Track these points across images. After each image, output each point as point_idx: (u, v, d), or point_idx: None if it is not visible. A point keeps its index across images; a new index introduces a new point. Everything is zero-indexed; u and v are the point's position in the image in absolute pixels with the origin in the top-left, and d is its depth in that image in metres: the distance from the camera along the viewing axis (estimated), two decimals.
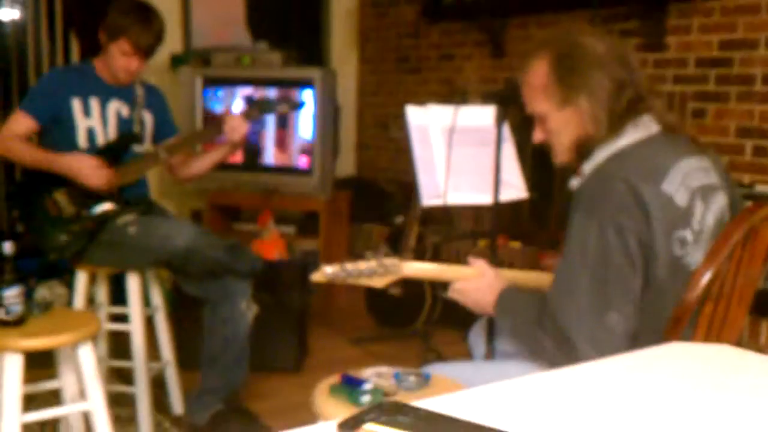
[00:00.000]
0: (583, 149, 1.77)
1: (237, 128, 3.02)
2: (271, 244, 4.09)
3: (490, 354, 2.07)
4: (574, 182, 1.79)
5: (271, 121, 4.51)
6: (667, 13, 3.70)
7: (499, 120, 2.13)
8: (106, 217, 2.92)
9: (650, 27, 3.75)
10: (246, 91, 4.52)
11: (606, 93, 1.72)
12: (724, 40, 3.51)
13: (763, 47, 3.36)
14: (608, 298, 1.62)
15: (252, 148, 4.54)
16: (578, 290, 1.64)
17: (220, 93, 4.56)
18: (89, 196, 2.92)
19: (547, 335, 1.67)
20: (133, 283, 3.01)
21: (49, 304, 2.48)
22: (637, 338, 1.64)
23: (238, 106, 4.49)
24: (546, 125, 1.82)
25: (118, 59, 2.95)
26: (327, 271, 1.85)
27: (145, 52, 2.96)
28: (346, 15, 5.67)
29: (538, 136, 1.86)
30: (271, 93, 4.45)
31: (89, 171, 2.88)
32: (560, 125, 1.79)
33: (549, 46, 1.80)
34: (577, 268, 1.65)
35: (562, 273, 1.69)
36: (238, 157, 4.52)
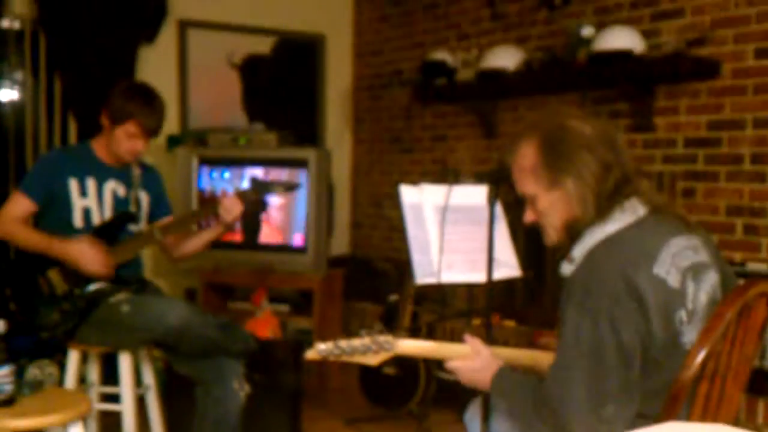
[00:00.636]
0: (573, 231, 1.79)
1: (231, 208, 3.05)
2: (265, 322, 4.07)
3: None
4: (566, 268, 1.79)
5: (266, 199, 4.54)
6: (655, 95, 3.78)
7: (492, 199, 2.15)
8: (99, 295, 2.92)
9: (639, 108, 3.82)
10: (243, 171, 4.56)
11: (593, 175, 1.75)
12: (712, 120, 3.57)
13: (750, 127, 3.43)
14: (604, 391, 1.62)
15: (247, 226, 4.56)
16: (574, 382, 1.64)
17: (215, 174, 4.60)
18: (82, 274, 2.92)
19: (543, 420, 1.67)
20: (125, 363, 2.98)
21: (40, 384, 2.45)
22: (635, 419, 1.63)
23: (234, 185, 4.53)
24: (536, 206, 1.85)
25: (124, 142, 3.00)
26: (320, 349, 1.85)
27: (152, 133, 3.02)
28: (340, 97, 5.78)
29: (528, 216, 1.89)
30: (268, 173, 4.49)
31: (89, 258, 2.89)
32: (549, 206, 1.82)
33: (537, 129, 1.84)
34: (572, 360, 1.65)
35: (558, 364, 1.69)
36: (232, 236, 4.54)
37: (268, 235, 4.58)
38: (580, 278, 1.71)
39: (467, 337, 1.95)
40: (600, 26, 3.81)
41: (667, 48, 3.60)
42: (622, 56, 3.59)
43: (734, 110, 3.49)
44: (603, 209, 1.75)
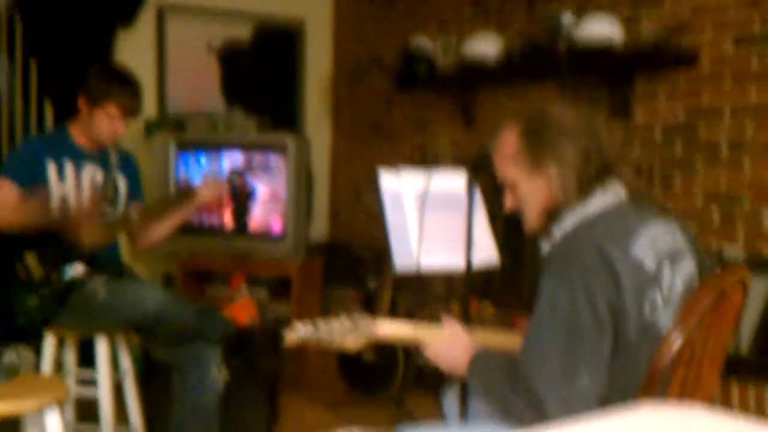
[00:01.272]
0: (553, 216, 1.80)
1: (211, 190, 3.06)
2: (243, 308, 4.06)
3: (464, 416, 2.06)
4: (545, 246, 1.82)
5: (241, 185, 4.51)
6: (633, 83, 3.80)
7: (471, 186, 2.16)
8: (76, 281, 2.90)
9: (618, 96, 3.84)
10: (221, 156, 4.53)
11: (574, 161, 1.77)
12: (690, 108, 3.60)
13: (728, 116, 3.45)
14: (578, 361, 1.63)
15: (237, 213, 4.53)
16: (549, 353, 1.65)
17: (191, 159, 4.56)
18: (60, 259, 2.90)
19: (518, 396, 1.68)
20: (102, 348, 2.97)
21: (16, 369, 2.43)
22: (608, 399, 1.64)
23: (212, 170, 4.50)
24: (516, 192, 1.86)
25: (104, 123, 2.98)
26: (300, 331, 1.84)
27: (132, 114, 3.01)
28: (320, 83, 5.76)
29: (509, 203, 1.90)
30: (248, 158, 4.46)
31: (87, 230, 2.86)
32: (530, 193, 1.83)
33: (519, 117, 1.86)
34: (547, 330, 1.66)
35: (532, 335, 1.70)
36: (210, 221, 4.52)
37: (246, 220, 4.56)
38: (557, 253, 1.74)
39: (445, 319, 1.96)
40: (580, 15, 3.81)
41: (646, 37, 3.62)
42: (602, 45, 3.61)
43: (712, 99, 3.51)
44: (584, 193, 1.77)
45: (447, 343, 1.91)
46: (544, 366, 1.64)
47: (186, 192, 3.16)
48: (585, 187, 1.77)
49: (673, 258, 1.74)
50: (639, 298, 1.65)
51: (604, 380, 1.64)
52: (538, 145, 1.79)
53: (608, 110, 3.90)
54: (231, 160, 4.45)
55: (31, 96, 4.72)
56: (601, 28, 3.64)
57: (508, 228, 3.68)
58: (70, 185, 3.01)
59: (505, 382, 1.72)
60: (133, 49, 4.89)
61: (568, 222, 1.77)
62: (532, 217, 1.86)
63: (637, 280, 1.65)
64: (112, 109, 2.96)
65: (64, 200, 2.99)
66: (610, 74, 3.81)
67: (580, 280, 1.63)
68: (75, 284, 2.90)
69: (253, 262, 4.45)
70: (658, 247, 1.71)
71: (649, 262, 1.68)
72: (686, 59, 3.55)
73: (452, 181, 2.70)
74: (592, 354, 1.63)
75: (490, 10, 4.55)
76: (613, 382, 1.66)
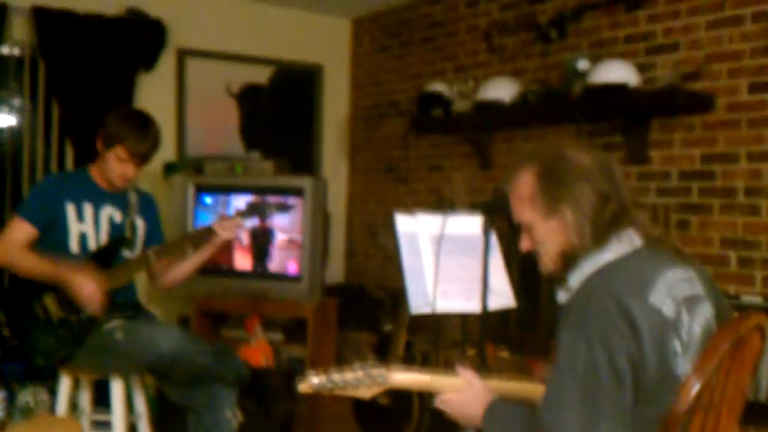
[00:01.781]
0: (569, 260, 1.79)
1: (228, 228, 3.09)
2: (258, 350, 4.06)
3: None
4: (562, 296, 1.80)
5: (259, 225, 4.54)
6: (649, 128, 3.80)
7: (487, 229, 2.16)
8: (93, 321, 2.91)
9: (633, 141, 3.85)
10: (236, 199, 4.57)
11: (590, 205, 1.76)
12: (705, 153, 3.60)
13: (744, 160, 3.45)
14: (598, 416, 1.61)
15: (257, 255, 4.55)
16: (568, 407, 1.63)
17: (209, 200, 4.60)
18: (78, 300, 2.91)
19: None
20: (117, 390, 2.97)
21: (31, 410, 2.44)
22: None
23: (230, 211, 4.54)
24: (532, 235, 1.85)
25: (115, 166, 3.01)
26: (313, 382, 1.84)
27: (141, 159, 3.02)
28: (337, 126, 5.81)
29: (525, 244, 1.89)
30: (266, 199, 4.49)
31: (87, 294, 2.87)
32: (546, 235, 1.82)
33: (536, 158, 1.85)
34: (566, 384, 1.65)
35: (551, 389, 1.69)
36: (227, 263, 4.54)
37: (262, 262, 4.57)
38: (575, 304, 1.72)
39: (459, 368, 1.94)
40: (595, 60, 3.84)
41: (661, 81, 3.64)
42: (617, 89, 3.62)
43: (728, 144, 3.51)
44: (600, 238, 1.76)
45: (461, 392, 1.90)
46: (564, 421, 1.63)
47: (204, 232, 3.18)
48: (601, 231, 1.76)
49: (691, 304, 1.72)
50: (659, 347, 1.64)
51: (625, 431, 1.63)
52: (554, 188, 1.78)
53: (624, 155, 3.90)
54: (248, 202, 4.48)
55: (53, 137, 4.79)
56: (617, 73, 3.65)
57: (524, 271, 3.67)
58: (89, 224, 3.04)
59: (521, 431, 1.71)
60: (154, 92, 4.97)
61: (585, 270, 1.76)
62: (548, 260, 1.85)
63: (656, 328, 1.64)
64: (122, 153, 2.99)
65: (82, 237, 3.02)
66: (626, 119, 3.81)
67: (599, 334, 1.62)
68: (92, 325, 2.91)
69: (268, 304, 4.45)
70: (676, 294, 1.70)
71: (667, 310, 1.67)
72: (702, 104, 3.56)
73: (468, 224, 2.71)
74: (611, 408, 1.61)
75: (505, 55, 4.59)
76: (635, 430, 1.64)
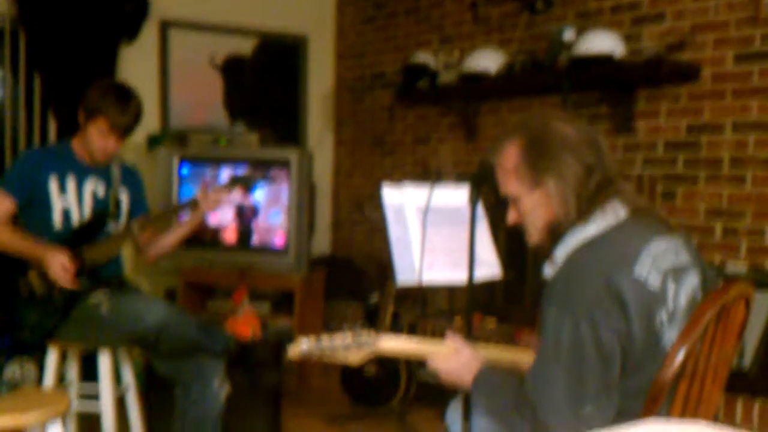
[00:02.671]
0: (555, 231, 1.80)
1: (213, 201, 3.09)
2: (245, 322, 4.05)
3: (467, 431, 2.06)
4: (548, 270, 1.80)
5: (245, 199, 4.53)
6: (635, 99, 3.81)
7: (473, 200, 2.16)
8: (78, 295, 2.90)
9: (619, 112, 3.85)
10: (223, 171, 4.55)
11: (575, 176, 1.76)
12: (691, 124, 3.61)
13: (730, 131, 3.46)
14: (583, 392, 1.63)
15: (241, 230, 4.54)
16: (554, 382, 1.65)
17: (192, 171, 4.57)
18: None
19: (525, 421, 1.68)
20: (104, 362, 2.97)
21: (19, 383, 2.43)
22: (620, 421, 1.64)
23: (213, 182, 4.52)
24: (519, 207, 1.86)
25: (96, 138, 2.98)
26: (302, 347, 1.85)
27: (122, 131, 2.99)
28: (322, 98, 5.78)
29: (512, 217, 1.89)
30: (248, 171, 4.48)
31: (59, 271, 2.86)
32: (532, 207, 1.83)
33: (520, 130, 1.85)
34: (552, 360, 1.66)
35: (538, 364, 1.70)
36: (213, 235, 4.53)
37: (248, 234, 4.56)
38: (560, 280, 1.72)
39: (448, 334, 1.96)
40: (581, 30, 3.83)
41: (647, 52, 3.63)
42: (603, 60, 3.62)
43: (714, 114, 3.52)
44: (584, 211, 1.76)
45: (450, 358, 1.91)
46: (549, 395, 1.65)
47: (188, 203, 3.17)
48: (585, 202, 1.76)
49: (677, 274, 1.73)
50: (646, 320, 1.65)
51: (610, 408, 1.65)
52: (539, 159, 1.79)
53: (610, 126, 3.91)
54: (233, 173, 4.46)
55: (35, 109, 4.74)
56: (602, 43, 3.65)
57: (510, 242, 3.69)
58: (72, 198, 3.02)
59: (510, 405, 1.73)
60: (137, 63, 4.92)
61: (570, 243, 1.76)
62: (534, 232, 1.86)
63: (642, 301, 1.65)
64: (102, 125, 2.95)
65: (65, 213, 3.00)
66: (612, 89, 3.82)
67: (585, 311, 1.63)
68: (77, 298, 2.90)
69: (255, 276, 4.45)
70: (661, 264, 1.71)
71: (653, 281, 1.68)
72: (687, 75, 3.56)
73: (455, 195, 2.71)
74: (596, 384, 1.63)
75: (491, 25, 4.57)
76: (625, 402, 1.66)
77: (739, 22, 3.42)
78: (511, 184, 1.85)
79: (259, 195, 4.48)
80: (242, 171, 4.45)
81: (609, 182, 1.79)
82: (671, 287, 1.71)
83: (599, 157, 1.80)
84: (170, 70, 5.13)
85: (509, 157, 1.84)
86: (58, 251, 2.87)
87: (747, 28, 3.39)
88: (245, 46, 5.43)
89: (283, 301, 4.69)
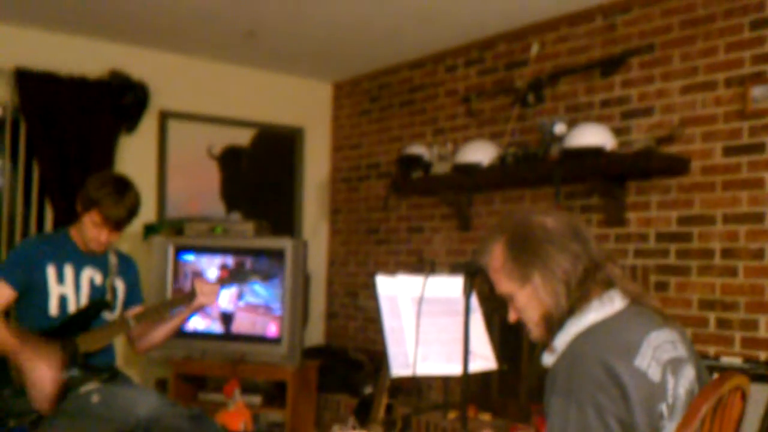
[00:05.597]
0: (550, 323, 1.80)
1: (209, 294, 3.07)
2: (237, 415, 4.00)
3: None
4: (548, 359, 1.80)
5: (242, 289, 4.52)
6: (626, 190, 3.86)
7: (467, 291, 2.17)
8: (69, 384, 2.87)
9: (611, 203, 3.89)
10: (219, 260, 4.56)
11: (560, 266, 1.78)
12: (682, 215, 3.65)
13: (720, 222, 3.50)
14: None
15: (223, 316, 4.53)
16: None
17: (191, 258, 4.58)
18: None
19: None
20: None
21: None
22: None
23: (211, 273, 4.52)
24: (514, 304, 1.87)
25: (90, 229, 3.01)
26: None
27: (116, 225, 3.01)
28: (318, 188, 5.84)
29: (512, 315, 1.91)
30: (245, 262, 4.49)
31: (38, 392, 2.79)
32: (525, 302, 1.84)
33: (503, 229, 1.89)
34: None
35: None
36: (205, 325, 4.50)
37: (241, 324, 4.54)
38: (562, 368, 1.72)
39: None
40: (572, 123, 3.91)
41: (637, 145, 3.70)
42: (594, 152, 3.67)
43: (704, 206, 3.56)
44: (576, 298, 1.77)
45: None
46: None
47: (184, 297, 3.17)
48: (576, 290, 1.78)
49: (675, 366, 1.73)
50: (647, 411, 1.64)
51: None
52: (523, 255, 1.81)
53: (602, 217, 3.95)
54: (229, 263, 4.48)
55: (32, 197, 4.77)
56: (593, 137, 3.71)
57: (505, 333, 3.67)
58: (69, 287, 3.02)
59: None
60: (135, 153, 4.98)
61: (569, 332, 1.76)
62: (533, 327, 1.86)
63: (644, 392, 1.64)
64: (96, 217, 2.98)
65: (62, 300, 2.99)
66: (603, 181, 3.86)
67: (589, 398, 1.62)
68: (68, 388, 2.86)
69: (247, 367, 4.41)
70: (660, 357, 1.70)
71: (653, 373, 1.67)
72: (677, 167, 3.62)
73: (449, 286, 2.71)
74: None
75: (484, 118, 4.66)
76: None
77: (726, 116, 3.50)
78: (502, 283, 1.87)
79: (255, 286, 4.48)
80: (239, 261, 4.47)
81: (597, 267, 1.80)
82: (670, 380, 1.70)
83: (583, 243, 1.82)
84: (168, 160, 5.19)
85: (496, 257, 1.87)
86: (43, 369, 2.78)
87: (735, 121, 3.47)
88: (243, 137, 5.52)
89: (275, 393, 4.63)
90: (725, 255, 3.48)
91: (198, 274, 4.53)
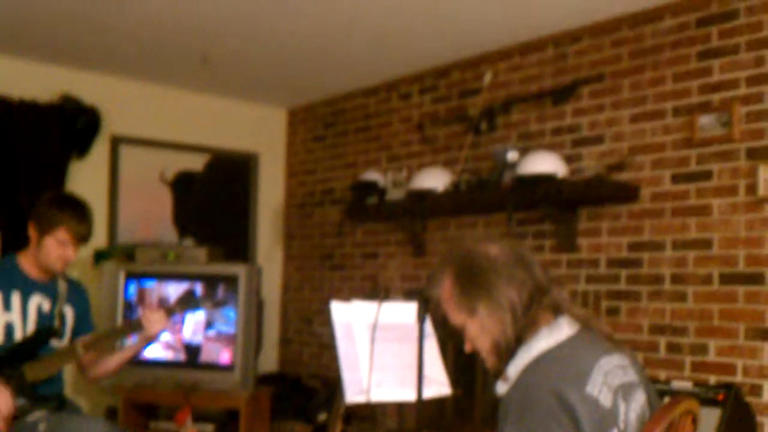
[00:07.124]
0: (501, 352, 1.82)
1: (157, 322, 3.03)
2: None
3: None
4: (501, 388, 1.81)
5: (193, 315, 4.47)
6: (577, 217, 3.91)
7: (421, 316, 2.17)
8: (16, 413, 2.80)
9: (562, 229, 3.94)
10: (171, 287, 4.50)
11: (505, 295, 1.80)
12: (632, 242, 3.71)
13: (670, 248, 3.56)
14: None
15: (172, 344, 4.46)
16: None
17: (140, 287, 4.52)
18: None
19: None
20: None
21: None
22: None
23: (161, 301, 4.46)
24: (466, 334, 1.89)
25: (54, 250, 2.97)
26: None
27: (82, 240, 3.03)
28: (272, 214, 5.82)
29: (467, 346, 1.92)
30: (196, 289, 4.44)
31: None
32: (476, 333, 1.86)
33: (449, 260, 1.91)
34: None
35: None
36: (156, 353, 4.43)
37: (193, 352, 4.48)
38: (515, 397, 1.73)
39: None
40: (524, 151, 3.96)
41: (588, 172, 3.76)
42: (546, 180, 3.72)
43: (654, 232, 3.62)
44: (524, 325, 1.79)
45: None
46: None
47: (133, 325, 3.12)
48: (523, 317, 1.79)
49: (626, 391, 1.75)
50: None
51: None
52: (469, 287, 1.83)
53: (554, 243, 3.99)
54: (180, 290, 4.42)
55: None
56: (545, 164, 3.76)
57: (459, 358, 3.68)
58: (16, 314, 2.97)
59: None
60: (86, 178, 4.92)
61: (521, 360, 1.78)
62: (486, 357, 1.87)
63: (595, 418, 1.65)
64: (63, 235, 2.96)
65: (8, 327, 2.93)
66: (555, 208, 3.91)
67: (542, 426, 1.63)
68: (15, 416, 2.80)
69: (200, 394, 4.35)
70: (611, 382, 1.72)
71: (604, 399, 1.69)
72: (627, 194, 3.68)
73: (403, 312, 2.72)
74: None
75: (438, 145, 4.70)
76: None
77: (675, 144, 3.57)
78: (453, 314, 1.89)
79: (204, 314, 4.42)
80: (191, 287, 4.42)
81: (543, 292, 1.83)
82: (622, 405, 1.72)
83: (528, 269, 1.84)
84: (119, 185, 5.13)
85: (445, 289, 1.90)
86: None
87: (683, 149, 3.54)
88: (196, 162, 5.48)
89: (228, 421, 4.56)
90: (675, 280, 3.54)
91: (148, 301, 4.47)
